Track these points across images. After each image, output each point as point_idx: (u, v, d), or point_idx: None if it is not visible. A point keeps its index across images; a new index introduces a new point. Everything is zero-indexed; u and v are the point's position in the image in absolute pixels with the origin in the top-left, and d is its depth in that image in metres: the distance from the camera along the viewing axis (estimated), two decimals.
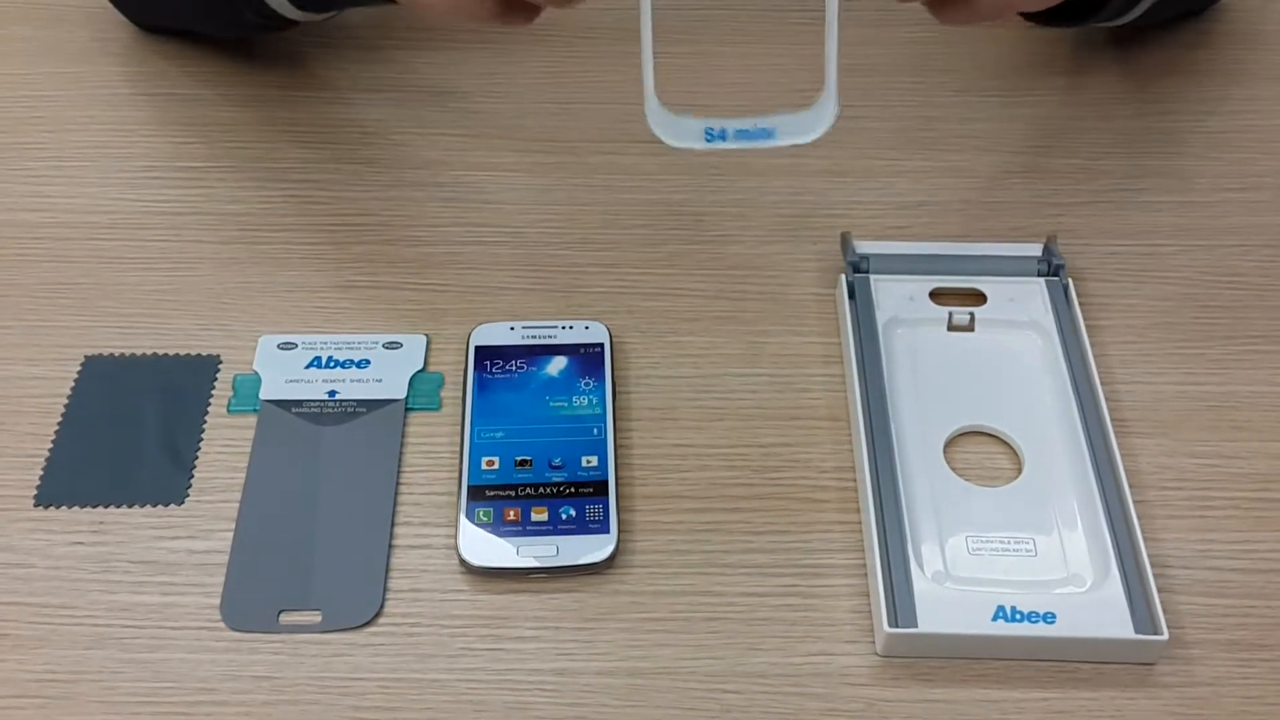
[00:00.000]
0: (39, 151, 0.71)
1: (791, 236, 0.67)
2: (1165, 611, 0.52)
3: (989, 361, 0.61)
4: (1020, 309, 0.62)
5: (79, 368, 0.61)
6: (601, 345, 0.61)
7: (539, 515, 0.55)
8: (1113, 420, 0.57)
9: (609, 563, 0.54)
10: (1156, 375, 0.61)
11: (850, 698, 0.51)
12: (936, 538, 0.54)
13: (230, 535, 0.55)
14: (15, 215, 0.68)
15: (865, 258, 0.64)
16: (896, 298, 0.63)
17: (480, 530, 0.55)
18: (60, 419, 0.59)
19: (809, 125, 0.55)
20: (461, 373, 0.60)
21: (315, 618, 0.53)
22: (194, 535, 0.55)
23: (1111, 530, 0.54)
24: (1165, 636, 0.51)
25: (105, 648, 0.52)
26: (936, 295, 0.63)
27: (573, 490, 0.56)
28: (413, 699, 0.51)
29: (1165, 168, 0.71)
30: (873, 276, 0.63)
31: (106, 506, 0.56)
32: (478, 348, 0.61)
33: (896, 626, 0.51)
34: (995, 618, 0.51)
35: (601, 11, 0.68)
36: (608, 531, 0.55)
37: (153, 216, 0.68)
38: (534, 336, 0.61)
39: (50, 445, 0.58)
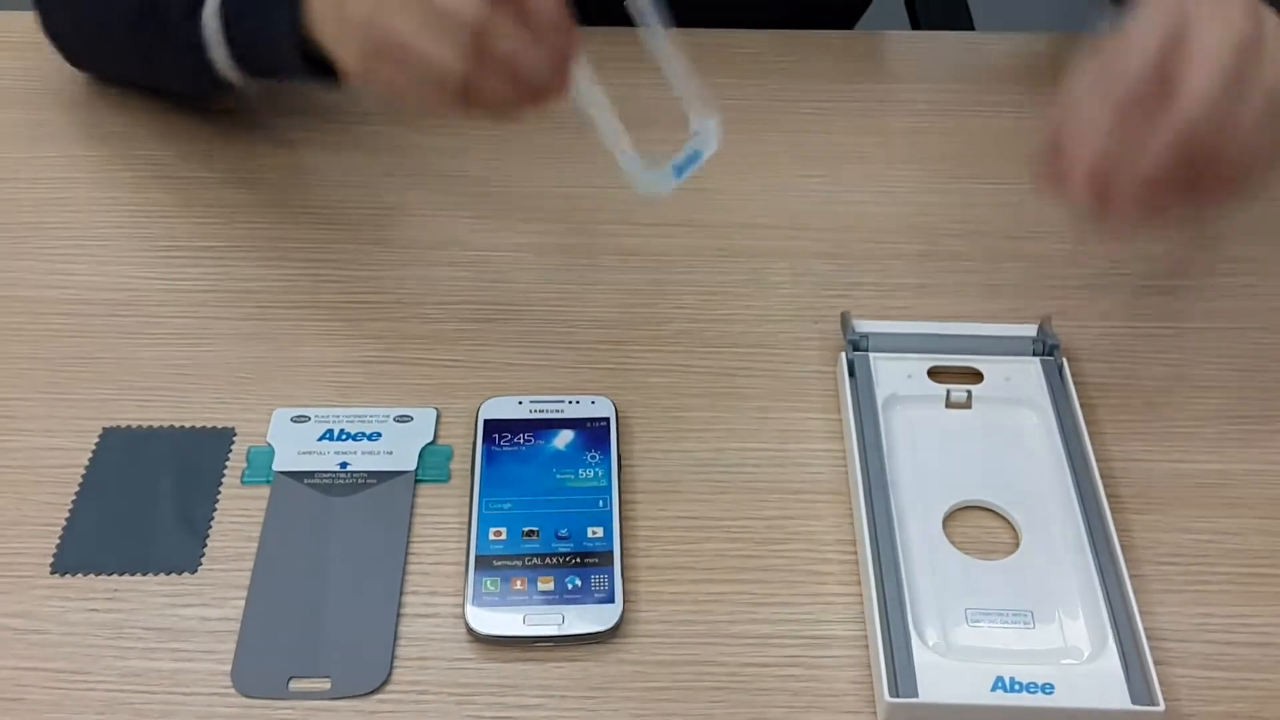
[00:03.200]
0: (63, 231, 0.73)
1: (794, 316, 0.69)
2: (1162, 684, 0.53)
3: (986, 438, 0.62)
4: (1016, 388, 0.64)
5: (97, 439, 0.62)
6: (607, 419, 0.63)
7: (545, 585, 0.56)
8: (1108, 496, 0.59)
9: (614, 632, 0.55)
10: (1151, 453, 0.63)
11: None
12: (936, 609, 0.55)
13: (242, 603, 0.56)
14: (40, 292, 0.70)
15: (865, 336, 0.65)
16: (895, 376, 0.64)
17: (488, 599, 0.55)
18: (78, 489, 0.60)
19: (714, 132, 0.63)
20: (470, 445, 0.62)
21: (325, 684, 0.53)
22: (207, 603, 0.56)
23: (1108, 603, 0.55)
24: (1162, 708, 0.51)
25: (118, 713, 0.52)
26: (934, 374, 0.65)
27: (578, 560, 0.57)
28: None
29: (1156, 252, 0.73)
30: (872, 355, 0.65)
31: (122, 574, 0.57)
32: (486, 421, 0.62)
33: (898, 696, 0.52)
34: (994, 688, 0.52)
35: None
36: (613, 601, 0.55)
37: (171, 294, 0.69)
38: (541, 411, 0.63)
39: (68, 514, 0.59)
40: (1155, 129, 0.53)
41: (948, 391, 0.64)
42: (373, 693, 0.53)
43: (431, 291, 0.70)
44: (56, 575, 0.57)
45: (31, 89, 0.82)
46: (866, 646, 0.55)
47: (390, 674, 0.54)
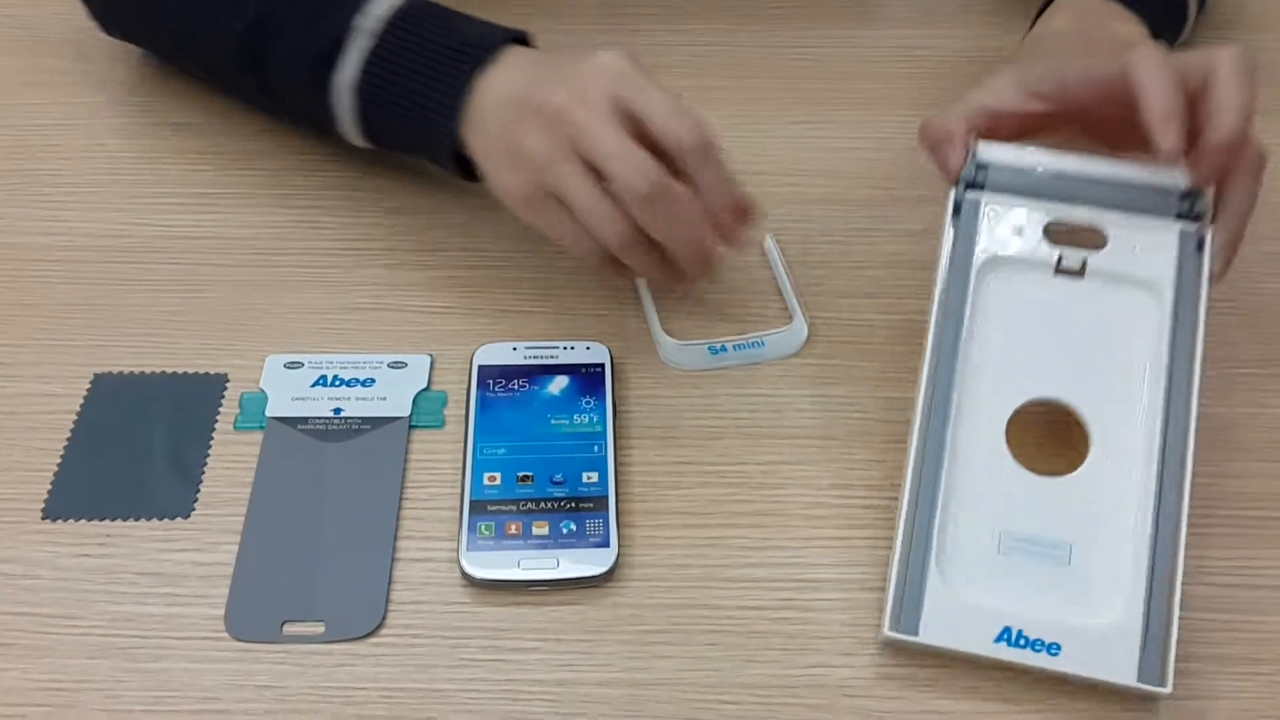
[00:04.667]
0: (55, 178, 0.72)
1: (793, 261, 0.68)
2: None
3: (1091, 321, 0.55)
4: (1141, 262, 0.55)
5: (89, 385, 0.62)
6: (602, 365, 0.62)
7: (540, 529, 0.56)
8: (1198, 426, 0.52)
9: (609, 576, 0.55)
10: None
11: (847, 709, 0.51)
12: (969, 529, 0.52)
13: (235, 548, 0.56)
14: (32, 239, 0.69)
15: (984, 167, 0.56)
16: (1004, 231, 0.56)
17: (482, 544, 0.55)
18: (70, 434, 0.60)
19: (790, 342, 0.63)
20: (465, 391, 0.61)
21: (318, 628, 0.53)
22: (199, 548, 0.56)
23: (1152, 557, 0.51)
24: (1169, 690, 0.49)
25: (110, 657, 0.52)
26: (1050, 231, 0.56)
27: (573, 505, 0.57)
28: (414, 708, 0.51)
29: None
30: (984, 201, 0.56)
31: (114, 520, 0.57)
32: (481, 367, 0.62)
33: (898, 631, 0.51)
34: (999, 639, 0.50)
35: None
36: (608, 545, 0.55)
37: (163, 240, 0.69)
38: (536, 357, 0.62)
39: (60, 460, 0.59)
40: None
41: (1060, 255, 0.55)
42: (367, 637, 0.53)
43: (425, 238, 0.69)
44: (48, 521, 0.57)
45: (23, 35, 0.81)
46: (861, 590, 0.54)
47: (384, 618, 0.54)
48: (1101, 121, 0.56)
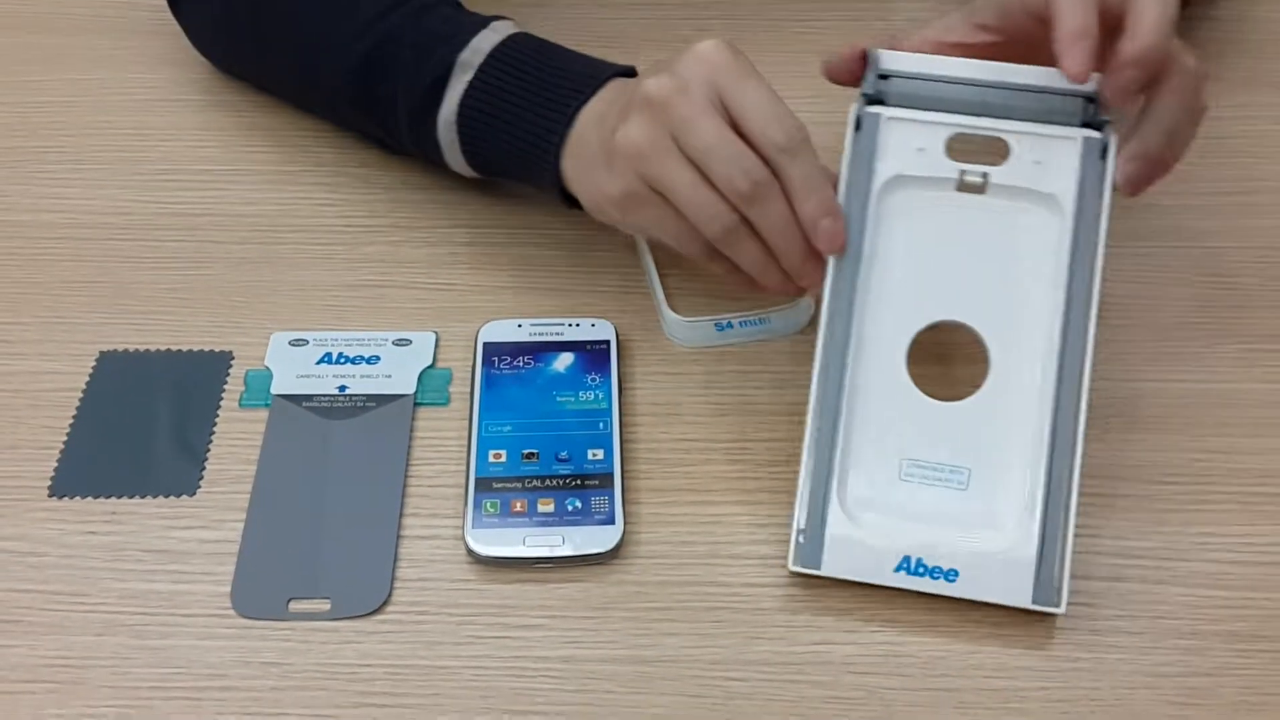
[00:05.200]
0: (59, 155, 0.72)
1: None
2: (1164, 603, 0.53)
3: (991, 239, 0.54)
4: (1043, 175, 0.54)
5: (94, 363, 0.62)
6: (608, 342, 0.62)
7: (545, 507, 0.56)
8: (1095, 344, 0.53)
9: (614, 553, 0.55)
10: (1155, 373, 0.62)
11: (853, 685, 0.51)
12: (870, 459, 0.53)
13: (241, 525, 0.56)
14: (36, 216, 0.69)
15: (887, 76, 0.55)
16: (905, 148, 0.55)
17: (488, 521, 0.55)
18: (75, 412, 0.60)
19: (795, 320, 0.63)
20: (470, 369, 0.61)
21: (324, 605, 0.53)
22: (205, 525, 0.56)
23: (1048, 478, 0.52)
24: (1062, 610, 0.51)
25: (117, 634, 0.53)
26: (953, 146, 0.55)
27: (579, 482, 0.57)
28: (420, 685, 0.51)
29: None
30: (886, 114, 0.55)
31: (120, 497, 0.57)
32: (486, 344, 0.62)
33: (802, 565, 0.52)
34: (899, 568, 0.52)
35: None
36: (613, 523, 0.55)
37: (168, 217, 0.69)
38: (541, 333, 0.62)
39: (65, 438, 0.59)
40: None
41: (961, 172, 0.54)
42: (372, 614, 0.53)
43: (430, 214, 0.69)
44: (54, 498, 0.57)
45: (27, 13, 0.81)
46: None
47: (390, 595, 0.54)
48: (1044, 49, 0.55)
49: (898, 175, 0.55)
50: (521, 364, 0.61)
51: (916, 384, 0.54)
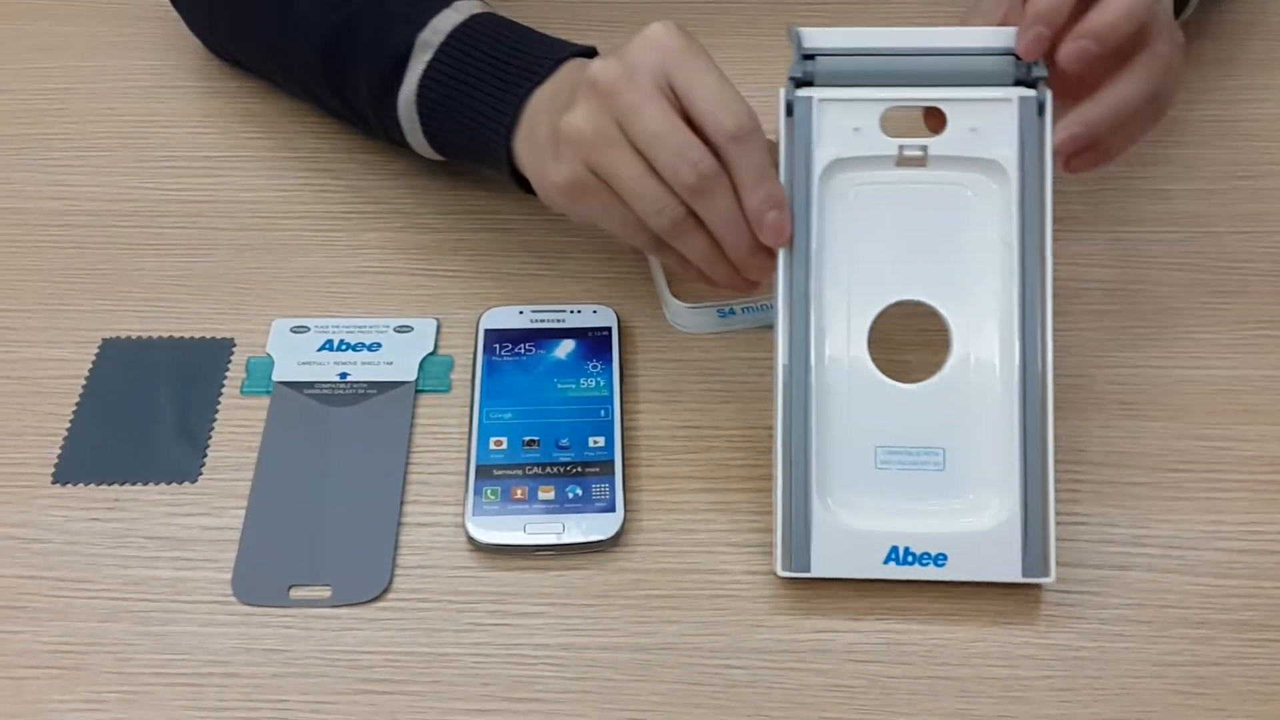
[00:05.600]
0: (62, 142, 0.72)
1: None
2: (1173, 592, 0.52)
3: (937, 212, 0.54)
4: (982, 141, 0.53)
5: (97, 350, 0.62)
6: (609, 329, 0.62)
7: (546, 494, 0.56)
8: (1054, 308, 0.52)
9: (615, 541, 0.55)
10: (1166, 359, 0.61)
11: (854, 674, 0.51)
12: (845, 453, 0.52)
13: (243, 512, 0.56)
14: (39, 203, 0.69)
15: (813, 55, 0.53)
16: (841, 129, 0.53)
17: (488, 508, 0.55)
18: (78, 399, 0.60)
19: None
20: (471, 356, 0.61)
21: (325, 592, 0.53)
22: (207, 512, 0.56)
23: (1024, 448, 0.51)
24: (1052, 578, 0.51)
25: (119, 620, 0.53)
26: (887, 123, 0.54)
27: (579, 470, 0.56)
28: (420, 672, 0.51)
29: (1172, 155, 0.71)
30: (817, 97, 0.53)
31: (122, 484, 0.57)
32: (487, 331, 0.62)
33: (791, 570, 0.52)
34: (888, 559, 0.52)
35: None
36: (614, 510, 0.55)
37: (170, 204, 0.69)
38: (543, 320, 0.62)
39: (69, 425, 0.59)
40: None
41: (900, 147, 0.53)
42: (373, 601, 0.53)
43: (431, 201, 0.69)
44: (58, 485, 0.57)
45: (30, 0, 0.81)
46: None
47: (391, 582, 0.54)
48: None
49: (837, 159, 0.53)
50: (523, 351, 0.61)
51: (881, 370, 0.53)
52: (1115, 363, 0.61)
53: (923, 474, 0.52)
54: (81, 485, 0.57)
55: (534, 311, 0.62)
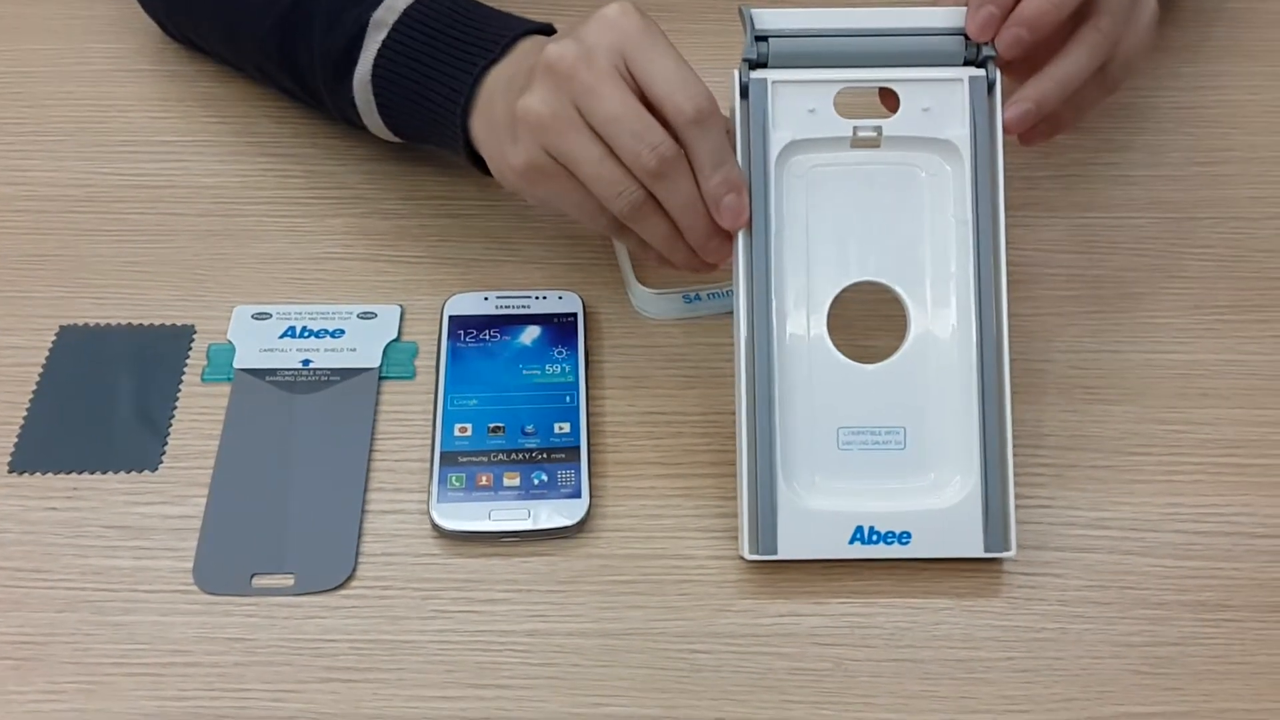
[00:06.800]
0: (18, 126, 0.71)
1: None
2: (1132, 573, 0.53)
3: (892, 192, 0.54)
4: (934, 121, 0.54)
5: (54, 337, 0.61)
6: (574, 315, 0.61)
7: (511, 480, 0.55)
8: (1017, 292, 0.54)
9: (580, 527, 0.54)
10: (1126, 344, 0.62)
11: (818, 657, 0.51)
12: (807, 435, 0.53)
13: (204, 501, 0.55)
14: None
15: (765, 37, 0.53)
16: (796, 111, 0.53)
17: (453, 495, 0.55)
18: (35, 387, 0.59)
19: None
20: (435, 342, 0.61)
21: (288, 581, 0.53)
22: (167, 501, 0.55)
23: (982, 424, 0.52)
24: (1013, 552, 0.52)
25: (78, 611, 0.52)
26: (842, 106, 0.54)
27: (545, 456, 0.56)
28: (385, 659, 0.51)
29: (1135, 142, 0.71)
30: (772, 77, 0.53)
31: (81, 473, 0.56)
32: (451, 317, 0.61)
33: (758, 553, 0.52)
34: (853, 539, 0.52)
35: None
36: (579, 496, 0.55)
37: (129, 190, 0.68)
38: (507, 306, 0.62)
39: (25, 413, 0.58)
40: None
41: (854, 128, 0.54)
42: (337, 589, 0.53)
43: (395, 186, 0.68)
44: (14, 474, 0.56)
45: None
46: None
47: (355, 570, 0.53)
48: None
49: (793, 140, 0.54)
50: (487, 337, 0.61)
51: (842, 351, 0.54)
52: (1077, 347, 0.61)
53: (884, 453, 0.53)
54: (39, 474, 0.56)
55: (499, 297, 0.62)
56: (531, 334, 0.61)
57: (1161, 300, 0.64)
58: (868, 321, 0.56)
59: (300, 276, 0.64)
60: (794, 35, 0.54)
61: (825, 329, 0.54)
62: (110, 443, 0.57)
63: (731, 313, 0.62)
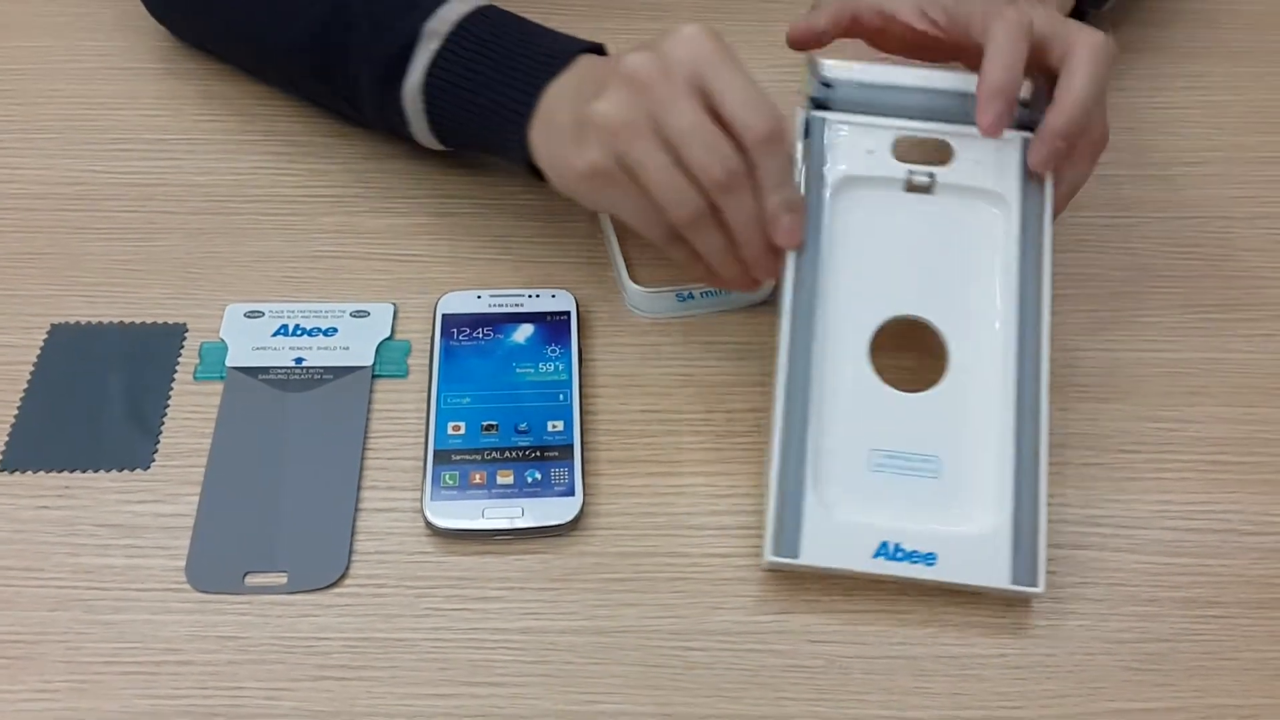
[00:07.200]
0: (8, 124, 0.71)
1: None
2: (1121, 570, 0.53)
3: (942, 236, 0.56)
4: (987, 174, 0.56)
5: (46, 335, 0.61)
6: (568, 313, 0.62)
7: (505, 478, 0.55)
8: (1051, 331, 0.54)
9: (574, 525, 0.55)
10: (1115, 343, 0.62)
11: (812, 654, 0.51)
12: (841, 451, 0.53)
13: (196, 499, 0.55)
14: None
15: (831, 84, 0.57)
16: (855, 150, 0.57)
17: (446, 493, 0.55)
18: (26, 386, 0.59)
19: (757, 290, 0.60)
20: (428, 340, 0.61)
21: (281, 579, 0.53)
22: (160, 499, 0.55)
23: (1017, 461, 0.53)
24: (1041, 589, 0.51)
25: (70, 610, 0.52)
26: (900, 150, 0.57)
27: (538, 454, 0.56)
28: (378, 658, 0.51)
29: (1122, 142, 0.71)
30: (832, 119, 0.57)
31: (72, 471, 0.56)
32: (445, 316, 0.61)
33: (779, 555, 0.51)
34: (877, 554, 0.52)
35: None
36: (573, 494, 0.55)
37: (120, 188, 0.68)
38: (501, 305, 0.62)
39: (16, 411, 0.58)
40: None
41: (909, 172, 0.56)
42: (330, 587, 0.53)
43: (389, 184, 0.68)
44: (6, 473, 0.56)
45: None
46: None
47: (348, 568, 0.53)
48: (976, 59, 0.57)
49: (849, 176, 0.56)
50: (481, 335, 0.61)
51: (881, 376, 0.54)
52: (1069, 346, 0.61)
53: (916, 480, 0.53)
54: (30, 473, 0.56)
55: (492, 296, 0.62)
56: (525, 332, 0.61)
57: (1150, 299, 0.64)
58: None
59: (293, 274, 0.64)
60: (858, 84, 0.57)
61: (867, 354, 0.55)
62: (102, 441, 0.57)
63: (724, 311, 0.63)
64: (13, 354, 0.60)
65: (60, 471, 0.56)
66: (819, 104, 0.57)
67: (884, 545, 0.51)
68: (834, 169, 0.56)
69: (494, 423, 0.57)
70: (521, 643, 0.51)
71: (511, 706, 0.50)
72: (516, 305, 0.62)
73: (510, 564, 0.54)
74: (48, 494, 0.55)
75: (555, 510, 0.55)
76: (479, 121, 0.60)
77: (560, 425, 0.57)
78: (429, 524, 0.54)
